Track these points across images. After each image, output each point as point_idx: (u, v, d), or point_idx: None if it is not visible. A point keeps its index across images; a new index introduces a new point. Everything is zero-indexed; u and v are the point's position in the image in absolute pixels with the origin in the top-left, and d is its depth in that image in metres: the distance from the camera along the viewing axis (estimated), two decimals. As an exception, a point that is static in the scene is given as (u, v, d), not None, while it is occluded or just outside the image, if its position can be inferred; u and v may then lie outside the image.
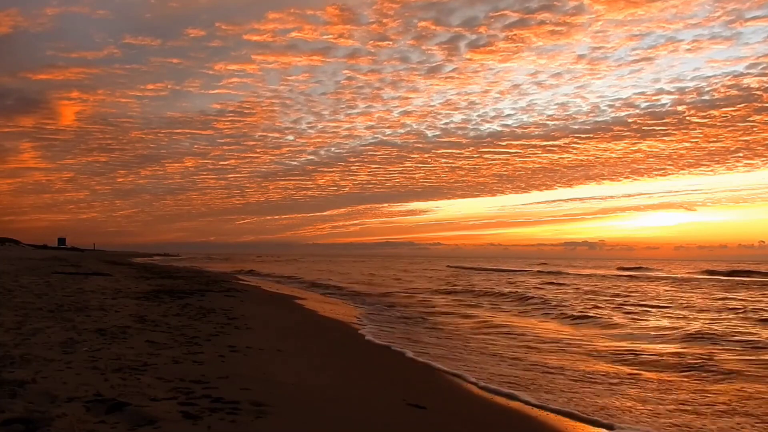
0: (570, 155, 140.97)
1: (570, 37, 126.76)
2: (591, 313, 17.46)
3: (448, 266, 78.63)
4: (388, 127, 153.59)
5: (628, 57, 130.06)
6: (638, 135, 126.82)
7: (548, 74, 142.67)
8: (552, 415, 6.69)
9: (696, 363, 9.75)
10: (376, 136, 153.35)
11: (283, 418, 5.19)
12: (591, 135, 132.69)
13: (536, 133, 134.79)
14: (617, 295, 25.81)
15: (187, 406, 5.16)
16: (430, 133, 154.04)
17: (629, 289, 30.42)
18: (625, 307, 20.17)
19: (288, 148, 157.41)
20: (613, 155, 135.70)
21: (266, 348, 9.26)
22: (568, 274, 51.90)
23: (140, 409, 4.91)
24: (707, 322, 15.43)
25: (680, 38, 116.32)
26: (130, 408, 4.92)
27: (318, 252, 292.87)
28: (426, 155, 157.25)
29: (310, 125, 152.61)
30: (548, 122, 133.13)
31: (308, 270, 54.58)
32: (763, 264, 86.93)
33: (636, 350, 11.23)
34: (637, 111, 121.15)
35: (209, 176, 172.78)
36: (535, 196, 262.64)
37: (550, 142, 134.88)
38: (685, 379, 8.78)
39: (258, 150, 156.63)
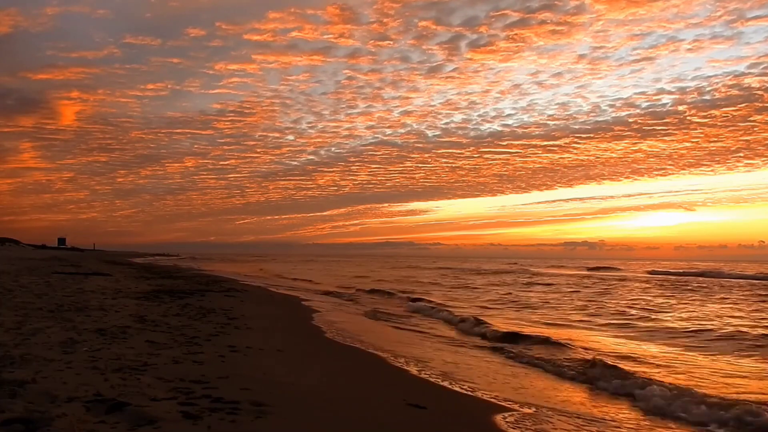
0: (570, 155, 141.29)
1: (571, 36, 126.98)
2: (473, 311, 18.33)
3: (409, 266, 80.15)
4: (389, 127, 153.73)
5: (629, 57, 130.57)
6: (639, 135, 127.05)
7: (549, 74, 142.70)
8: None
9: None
10: (376, 136, 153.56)
11: (283, 418, 5.19)
12: (591, 135, 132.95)
13: (537, 133, 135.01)
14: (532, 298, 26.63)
15: (187, 406, 5.16)
16: (430, 133, 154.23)
17: (558, 290, 31.24)
18: (527, 307, 21.48)
19: (288, 148, 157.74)
20: (614, 155, 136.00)
21: (266, 348, 9.26)
22: (533, 273, 52.76)
23: (140, 409, 4.91)
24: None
25: (681, 38, 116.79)
26: (130, 408, 4.92)
27: (318, 252, 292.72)
28: (426, 155, 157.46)
29: (310, 125, 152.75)
30: (549, 122, 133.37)
31: (271, 269, 55.51)
32: (747, 264, 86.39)
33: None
34: (638, 111, 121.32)
35: (209, 176, 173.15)
36: (535, 196, 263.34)
37: (551, 142, 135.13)
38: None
39: (258, 150, 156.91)
